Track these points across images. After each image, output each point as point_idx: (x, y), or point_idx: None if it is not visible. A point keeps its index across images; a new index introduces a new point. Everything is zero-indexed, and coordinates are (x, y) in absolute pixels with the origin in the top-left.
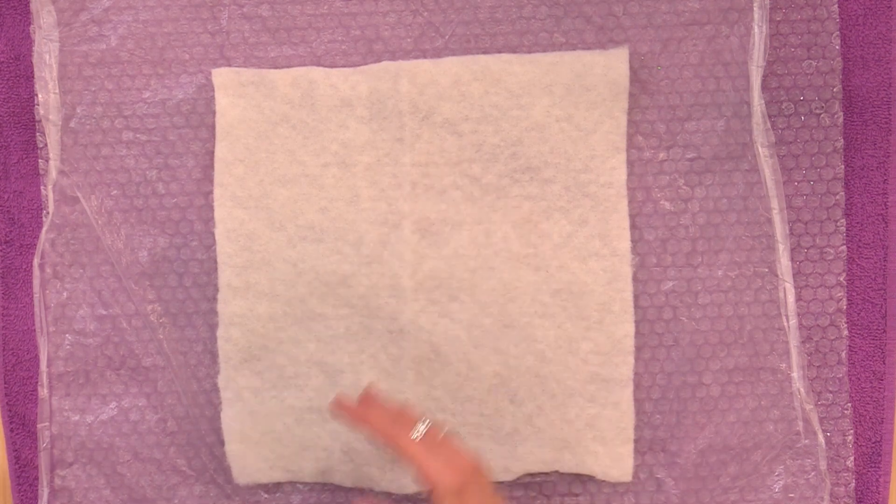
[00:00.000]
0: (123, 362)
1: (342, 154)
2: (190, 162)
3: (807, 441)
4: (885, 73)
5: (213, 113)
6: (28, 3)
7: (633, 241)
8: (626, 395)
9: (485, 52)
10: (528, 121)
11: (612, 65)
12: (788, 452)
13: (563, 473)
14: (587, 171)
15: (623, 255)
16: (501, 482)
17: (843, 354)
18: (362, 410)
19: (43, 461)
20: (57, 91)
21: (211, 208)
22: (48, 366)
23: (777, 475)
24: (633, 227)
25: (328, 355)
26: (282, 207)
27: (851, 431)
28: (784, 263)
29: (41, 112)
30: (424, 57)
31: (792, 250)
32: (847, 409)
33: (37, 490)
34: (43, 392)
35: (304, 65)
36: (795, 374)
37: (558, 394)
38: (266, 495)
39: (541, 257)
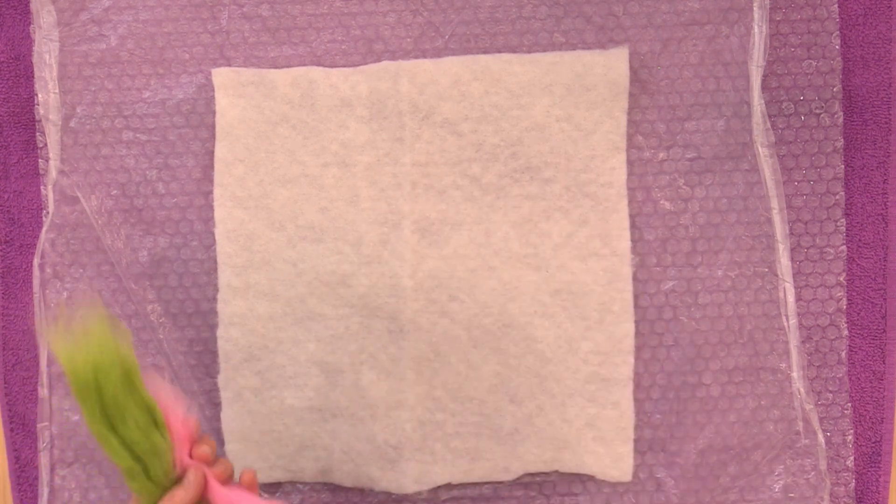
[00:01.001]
0: None
1: (342, 154)
2: (190, 162)
3: (807, 441)
4: (885, 73)
5: (213, 113)
6: (28, 3)
7: (633, 241)
8: (626, 395)
9: (485, 52)
10: (528, 121)
11: (612, 65)
12: (788, 452)
13: (563, 473)
14: (587, 170)
15: (623, 255)
16: (501, 482)
17: (843, 354)
18: None
19: (43, 461)
20: (57, 91)
21: (211, 208)
22: (48, 366)
23: (777, 475)
24: (633, 227)
25: (328, 355)
26: (282, 207)
27: (851, 431)
28: (784, 263)
29: (41, 112)
30: (424, 57)
31: (792, 250)
32: (847, 409)
33: (37, 490)
34: (43, 392)
35: (304, 65)
36: (795, 374)
37: (558, 393)
38: (266, 495)
39: (541, 257)
